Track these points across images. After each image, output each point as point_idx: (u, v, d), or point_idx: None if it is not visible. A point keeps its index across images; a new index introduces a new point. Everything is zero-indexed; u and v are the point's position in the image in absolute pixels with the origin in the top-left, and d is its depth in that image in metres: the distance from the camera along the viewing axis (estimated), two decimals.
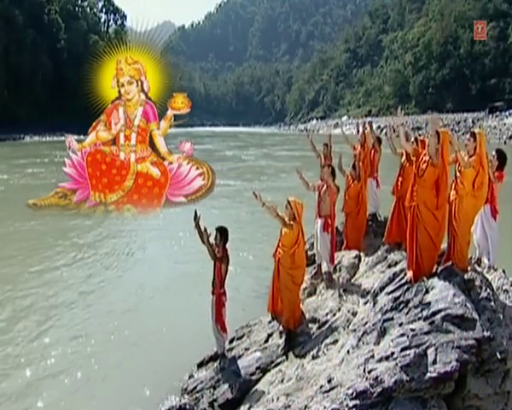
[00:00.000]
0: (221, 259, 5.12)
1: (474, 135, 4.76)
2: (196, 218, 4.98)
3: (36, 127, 59.47)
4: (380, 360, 3.73)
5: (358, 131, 7.86)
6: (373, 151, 7.86)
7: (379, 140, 8.08)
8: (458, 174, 4.82)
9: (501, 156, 5.39)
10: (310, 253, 7.49)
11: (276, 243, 5.63)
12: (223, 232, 5.13)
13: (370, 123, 8.04)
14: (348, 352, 4.10)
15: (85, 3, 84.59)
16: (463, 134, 44.14)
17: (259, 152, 42.02)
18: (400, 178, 6.62)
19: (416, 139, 6.12)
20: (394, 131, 6.33)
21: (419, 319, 3.99)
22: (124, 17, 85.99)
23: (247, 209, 15.30)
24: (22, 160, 31.00)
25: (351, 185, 7.10)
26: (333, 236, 6.44)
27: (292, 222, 5.31)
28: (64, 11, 77.08)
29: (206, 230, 4.98)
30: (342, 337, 4.66)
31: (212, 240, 5.07)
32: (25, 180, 22.02)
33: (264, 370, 4.94)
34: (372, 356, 3.82)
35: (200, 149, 40.23)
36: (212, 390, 4.86)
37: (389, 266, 5.85)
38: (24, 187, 19.56)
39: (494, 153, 5.42)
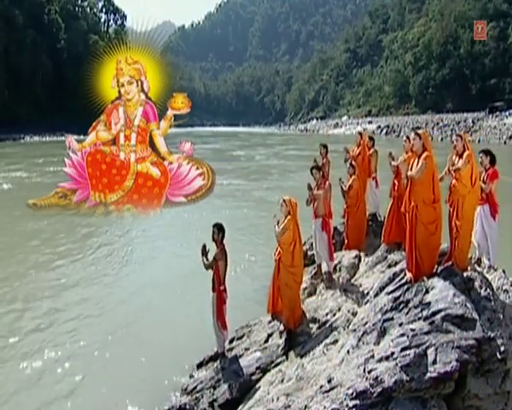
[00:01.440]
0: (219, 257, 5.15)
1: (460, 136, 5.08)
2: (205, 251, 5.16)
3: (36, 127, 59.48)
4: (380, 360, 3.73)
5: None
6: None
7: (371, 139, 8.19)
8: (453, 173, 4.87)
9: (489, 153, 5.55)
10: (310, 253, 7.50)
11: (275, 243, 5.65)
12: (220, 228, 5.20)
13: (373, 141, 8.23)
14: (348, 352, 4.10)
15: (85, 3, 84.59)
16: None
17: (268, 151, 42.24)
18: (395, 181, 6.62)
19: (407, 138, 6.24)
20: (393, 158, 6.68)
21: (419, 319, 3.99)
22: (124, 17, 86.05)
23: (252, 209, 15.38)
24: (41, 158, 31.14)
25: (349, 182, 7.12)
26: (329, 234, 6.47)
27: (285, 221, 5.39)
28: (64, 11, 77.08)
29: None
30: (342, 337, 4.65)
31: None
32: (46, 178, 21.93)
33: (264, 370, 4.94)
34: (372, 356, 3.82)
35: (210, 149, 40.62)
36: (212, 390, 4.86)
37: (389, 266, 5.85)
38: (45, 185, 19.58)
39: (481, 154, 5.54)
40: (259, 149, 44.27)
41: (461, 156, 4.87)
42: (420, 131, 4.78)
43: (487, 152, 5.56)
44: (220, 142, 57.81)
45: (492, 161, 5.51)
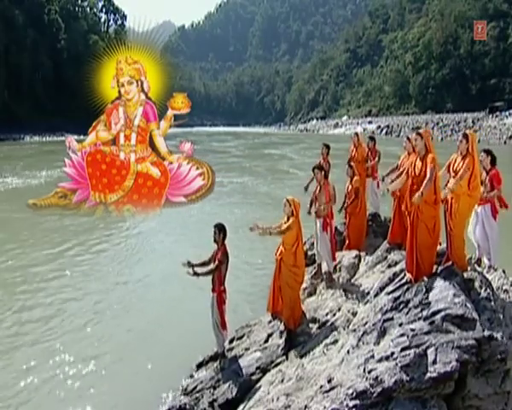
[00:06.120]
0: (222, 259, 5.13)
1: (466, 136, 4.88)
2: (190, 267, 5.01)
3: (36, 127, 59.40)
4: (380, 360, 3.72)
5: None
6: (368, 151, 8.01)
7: (373, 139, 8.19)
8: (453, 174, 4.86)
9: (490, 154, 5.52)
10: (310, 253, 7.49)
11: (278, 243, 5.65)
12: (221, 229, 5.18)
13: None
14: (348, 352, 4.10)
15: (85, 3, 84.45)
16: None
17: (293, 149, 42.10)
18: None
19: (408, 138, 6.23)
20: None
21: (419, 319, 3.99)
22: (124, 17, 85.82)
23: (256, 208, 15.38)
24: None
25: (349, 185, 7.12)
26: (332, 234, 6.47)
27: (290, 221, 5.39)
28: (64, 11, 76.98)
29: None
30: (342, 337, 4.65)
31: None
32: None
33: (264, 370, 4.94)
34: (372, 356, 3.81)
35: (239, 145, 40.18)
36: (212, 390, 4.86)
37: (389, 266, 5.84)
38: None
39: (482, 153, 5.50)
40: (283, 148, 44.06)
41: (463, 158, 4.81)
42: (421, 131, 4.72)
43: (488, 152, 5.53)
44: (231, 140, 58.41)
45: (493, 162, 5.50)
